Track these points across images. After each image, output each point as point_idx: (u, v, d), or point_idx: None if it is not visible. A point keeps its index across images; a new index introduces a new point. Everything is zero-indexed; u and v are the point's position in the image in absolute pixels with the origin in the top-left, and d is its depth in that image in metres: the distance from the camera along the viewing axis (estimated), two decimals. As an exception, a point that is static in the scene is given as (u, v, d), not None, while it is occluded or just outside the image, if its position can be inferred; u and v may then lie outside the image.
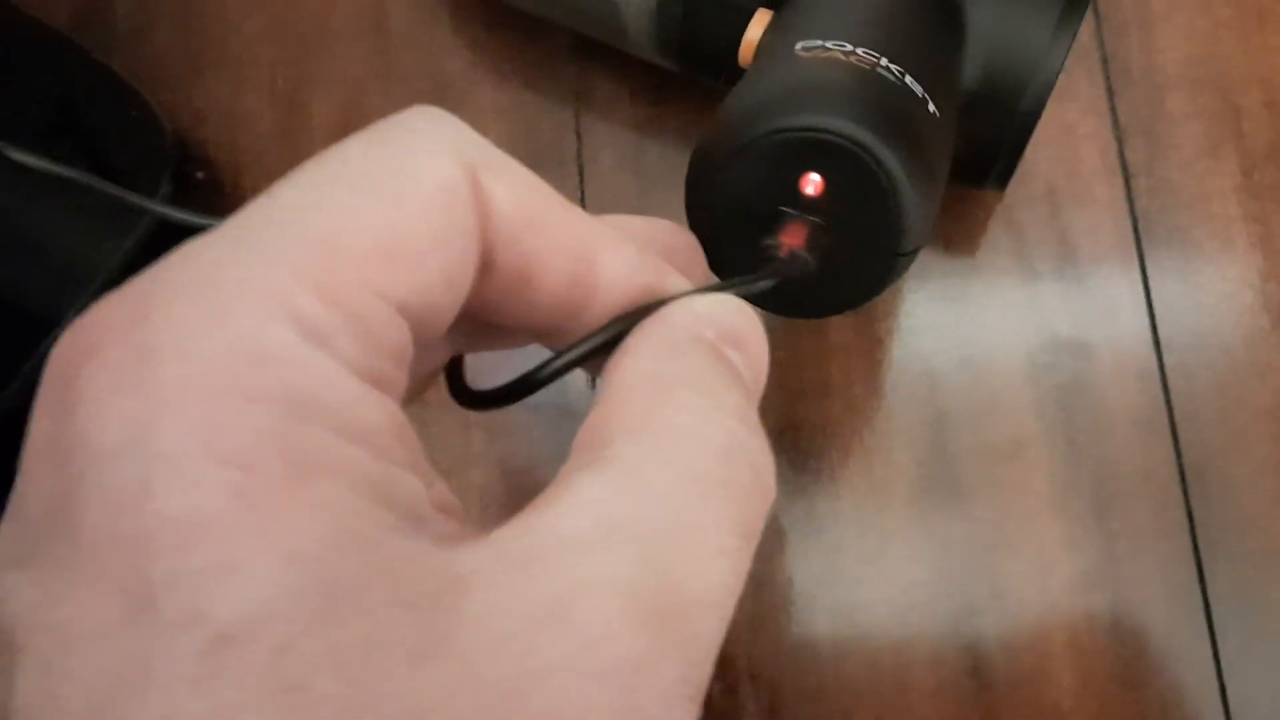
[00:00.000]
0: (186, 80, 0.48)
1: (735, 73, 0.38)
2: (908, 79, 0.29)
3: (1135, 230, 0.42)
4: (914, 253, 0.28)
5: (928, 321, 0.42)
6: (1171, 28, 0.43)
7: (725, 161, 0.27)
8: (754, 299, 0.24)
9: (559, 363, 0.21)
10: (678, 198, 0.43)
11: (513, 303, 0.21)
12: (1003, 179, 0.38)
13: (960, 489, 0.41)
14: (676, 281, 0.22)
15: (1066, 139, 0.43)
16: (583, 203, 0.44)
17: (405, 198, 0.18)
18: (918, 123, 0.28)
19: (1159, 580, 0.40)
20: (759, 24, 0.35)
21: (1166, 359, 0.41)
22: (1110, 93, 0.43)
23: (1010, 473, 0.41)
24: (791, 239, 0.27)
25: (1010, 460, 0.41)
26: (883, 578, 0.41)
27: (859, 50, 0.30)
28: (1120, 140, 0.43)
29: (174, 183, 0.44)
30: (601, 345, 0.21)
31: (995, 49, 0.35)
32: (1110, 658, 0.39)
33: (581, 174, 0.45)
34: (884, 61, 0.29)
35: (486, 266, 0.20)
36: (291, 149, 0.46)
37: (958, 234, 0.43)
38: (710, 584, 0.18)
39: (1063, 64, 0.35)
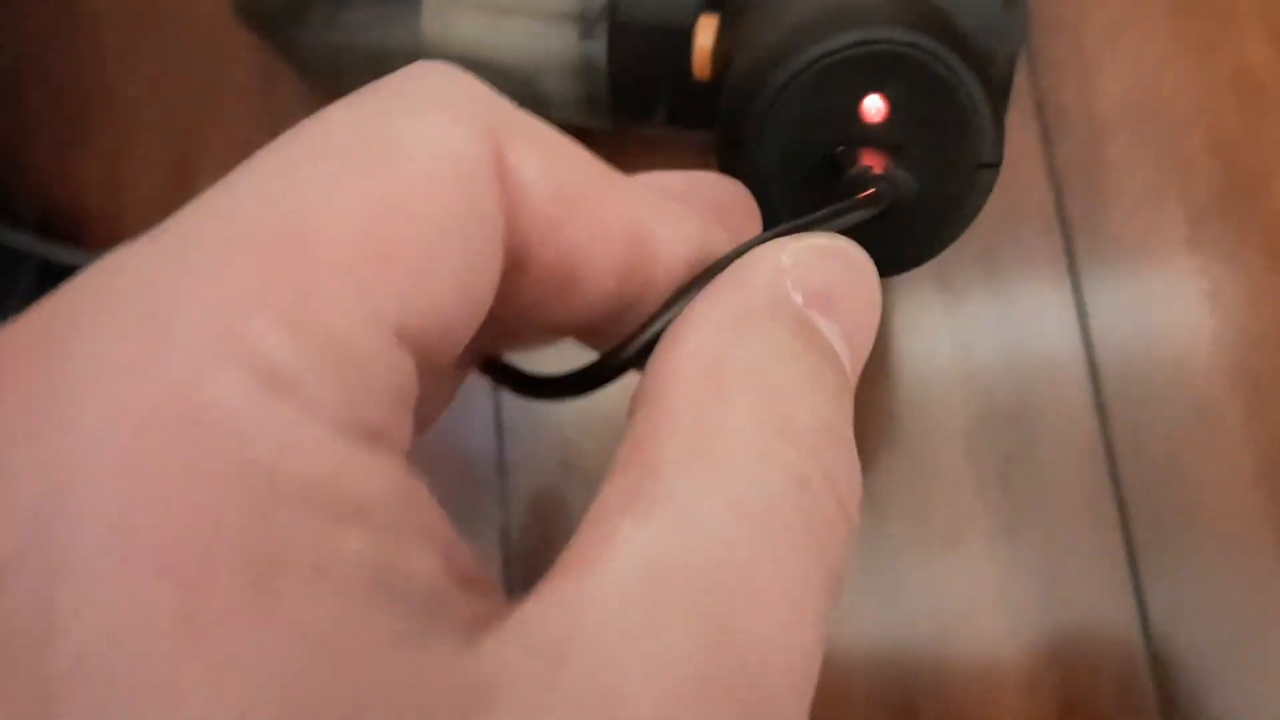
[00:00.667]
0: (62, 149, 0.44)
1: (681, 104, 0.36)
2: None
3: (1074, 275, 0.40)
4: (997, 165, 0.24)
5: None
6: (1109, 66, 0.41)
7: (766, 104, 0.23)
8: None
9: (645, 337, 0.16)
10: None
11: (552, 304, 0.17)
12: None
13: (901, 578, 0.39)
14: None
15: (1000, 191, 0.41)
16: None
17: (404, 181, 0.14)
18: (962, 29, 0.25)
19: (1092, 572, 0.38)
20: (707, 30, 0.32)
21: (1114, 431, 0.39)
22: (1046, 140, 0.41)
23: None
24: (873, 165, 0.23)
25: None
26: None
27: None
28: (1058, 191, 0.40)
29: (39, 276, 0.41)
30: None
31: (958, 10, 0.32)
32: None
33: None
34: None
35: (517, 265, 0.16)
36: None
37: (886, 285, 0.40)
38: (791, 658, 0.14)
39: (1027, 28, 0.32)
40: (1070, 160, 0.40)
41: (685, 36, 0.33)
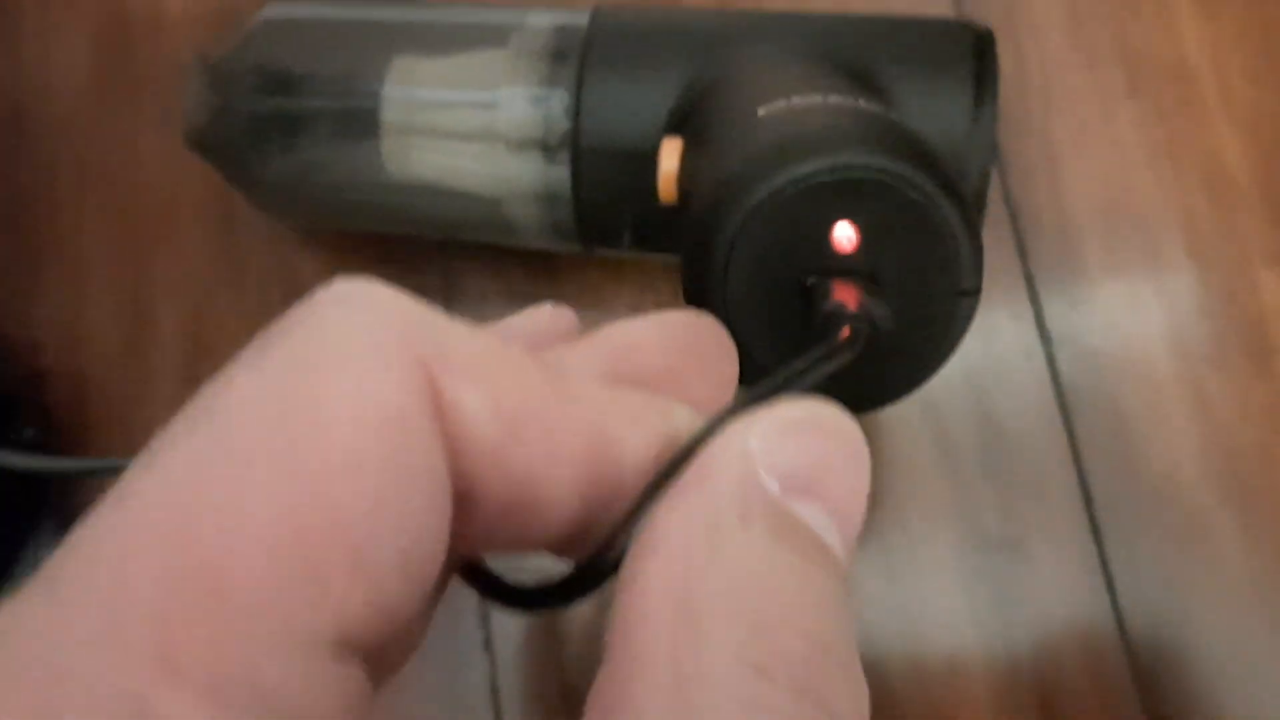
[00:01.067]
0: (18, 297, 0.43)
1: (648, 228, 0.35)
2: (894, 115, 0.25)
3: (1062, 404, 0.39)
4: (977, 292, 0.23)
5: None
6: (1081, 170, 0.40)
7: (731, 235, 0.22)
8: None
9: (616, 551, 0.15)
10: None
11: (512, 528, 0.15)
12: None
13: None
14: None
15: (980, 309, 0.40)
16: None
17: (328, 459, 0.12)
18: (934, 149, 0.24)
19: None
20: (671, 154, 0.32)
21: (1107, 546, 0.38)
22: (1022, 251, 0.40)
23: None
24: (847, 299, 0.22)
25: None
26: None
27: (830, 96, 0.26)
28: (1038, 304, 0.40)
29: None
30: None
31: (925, 125, 0.32)
32: None
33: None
34: (862, 102, 0.25)
35: (466, 497, 0.14)
36: (140, 365, 0.42)
37: (874, 429, 0.39)
38: None
39: (996, 140, 0.32)
40: (1046, 269, 0.40)
41: (650, 161, 0.32)
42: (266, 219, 0.42)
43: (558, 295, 0.41)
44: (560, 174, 0.35)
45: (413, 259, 0.42)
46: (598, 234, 0.36)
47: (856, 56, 0.33)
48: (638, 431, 0.16)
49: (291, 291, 0.41)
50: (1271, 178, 0.39)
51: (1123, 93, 0.40)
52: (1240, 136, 0.40)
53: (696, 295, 0.23)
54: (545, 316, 0.21)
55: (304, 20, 0.38)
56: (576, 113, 0.35)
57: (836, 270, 0.22)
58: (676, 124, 0.33)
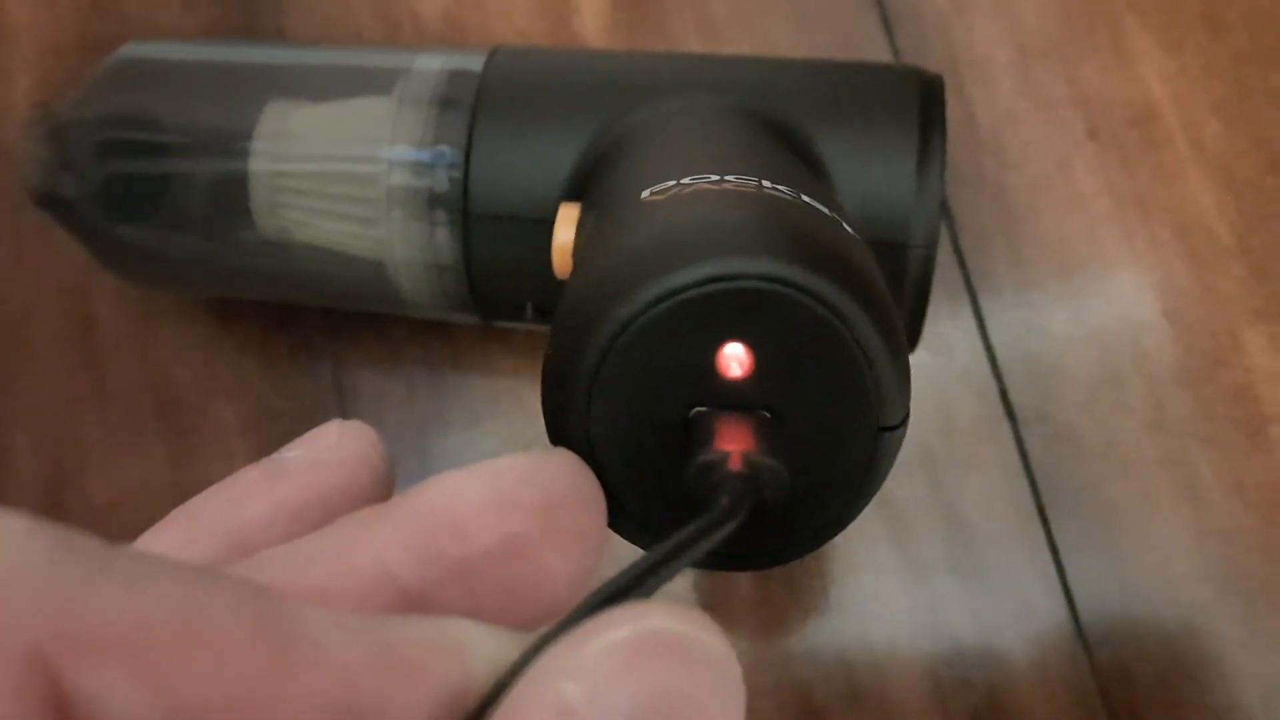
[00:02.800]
0: None
1: (546, 298, 0.31)
2: (804, 197, 0.21)
3: (1035, 495, 0.34)
4: (902, 424, 0.19)
5: (801, 646, 0.34)
6: (1040, 231, 0.36)
7: (596, 359, 0.18)
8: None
9: None
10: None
11: None
12: (911, 337, 0.30)
13: None
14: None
15: (935, 385, 0.35)
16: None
17: None
18: (849, 247, 0.19)
19: None
20: (567, 224, 0.27)
21: (1097, 657, 0.33)
22: (980, 320, 0.35)
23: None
24: (733, 442, 0.17)
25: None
26: None
27: (729, 177, 0.21)
28: (1001, 380, 0.35)
29: None
30: None
31: (864, 186, 0.28)
32: None
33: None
34: (767, 184, 0.21)
35: None
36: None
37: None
38: None
39: (943, 190, 0.28)
40: (1010, 343, 0.35)
41: (547, 228, 0.28)
42: (131, 318, 0.37)
43: (451, 405, 0.36)
44: (449, 240, 0.31)
45: (300, 353, 0.37)
46: (495, 307, 0.32)
47: (783, 108, 0.29)
48: (410, 691, 0.11)
49: (163, 404, 0.36)
50: (1250, 224, 0.35)
51: (1082, 137, 0.36)
52: (1214, 179, 0.35)
53: (556, 431, 0.18)
54: (330, 446, 0.16)
55: (162, 62, 0.34)
56: (466, 173, 0.30)
57: (724, 402, 0.17)
58: (577, 189, 0.29)
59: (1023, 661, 0.33)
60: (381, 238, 0.32)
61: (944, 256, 0.36)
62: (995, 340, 0.35)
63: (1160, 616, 0.33)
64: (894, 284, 0.29)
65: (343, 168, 0.32)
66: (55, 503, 0.36)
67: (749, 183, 0.20)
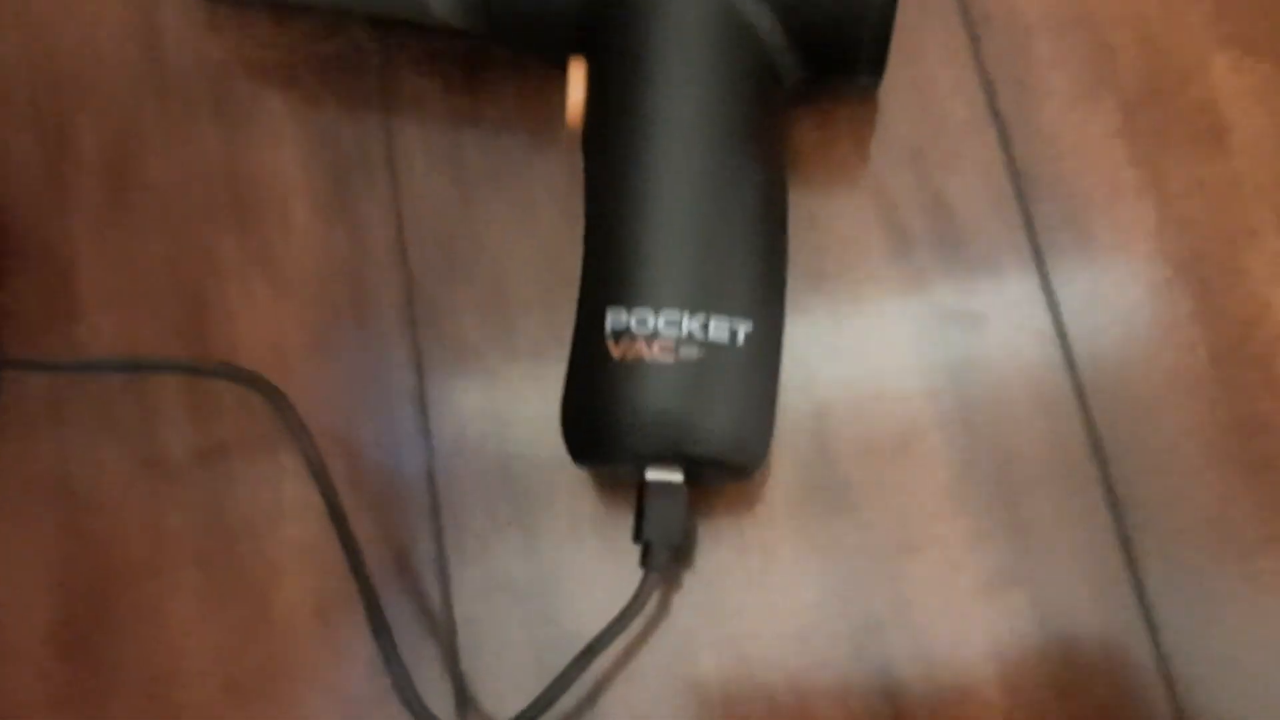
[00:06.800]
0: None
1: (553, 38, 0.35)
2: (711, 328, 0.32)
3: (1016, 186, 0.37)
4: (761, 459, 0.34)
5: (798, 306, 0.37)
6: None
7: (586, 458, 0.34)
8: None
9: None
10: (502, 199, 0.39)
11: None
12: (875, 64, 0.35)
13: (848, 492, 0.36)
14: None
15: (928, 95, 0.38)
16: (398, 217, 0.39)
17: None
18: (730, 380, 0.33)
19: (1082, 569, 0.34)
20: (576, 82, 0.35)
21: (1066, 325, 0.36)
22: (973, 40, 0.39)
23: (903, 468, 0.36)
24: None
25: (901, 454, 0.36)
26: (769, 602, 0.35)
27: (661, 322, 0.32)
28: (989, 90, 0.38)
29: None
30: None
31: None
32: (1038, 662, 0.34)
33: (395, 182, 0.39)
34: (685, 329, 0.32)
35: None
36: (60, 191, 0.40)
37: (823, 210, 0.38)
38: None
39: None
40: (998, 60, 0.39)
41: None
42: (192, 24, 0.41)
43: (483, 101, 0.40)
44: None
45: (346, 56, 0.41)
46: (509, 25, 0.35)
47: None
48: None
49: (219, 99, 0.40)
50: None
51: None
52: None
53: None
54: None
55: None
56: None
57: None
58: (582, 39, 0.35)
59: (1002, 327, 0.36)
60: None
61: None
62: (985, 57, 0.38)
63: (1125, 292, 0.36)
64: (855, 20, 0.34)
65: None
66: (117, 184, 0.40)
67: (669, 333, 0.32)
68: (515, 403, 0.37)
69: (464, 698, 0.35)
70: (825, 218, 0.38)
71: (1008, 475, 0.35)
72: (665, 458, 0.32)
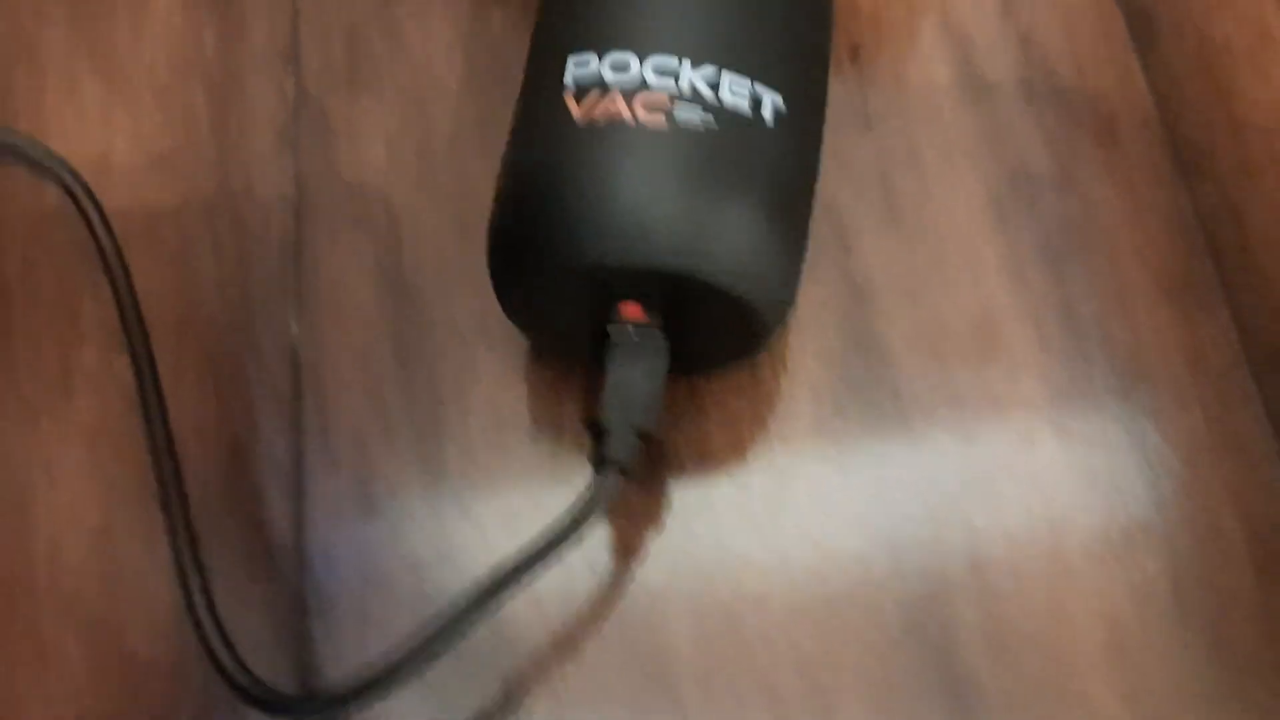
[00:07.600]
0: None
1: None
2: (724, 85, 0.22)
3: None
4: (785, 310, 0.22)
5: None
6: None
7: (522, 286, 0.22)
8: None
9: None
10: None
11: None
12: None
13: (898, 402, 0.25)
14: None
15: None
16: (293, 5, 0.28)
17: None
18: (750, 169, 0.21)
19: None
20: None
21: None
22: None
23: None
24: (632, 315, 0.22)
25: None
26: (777, 549, 0.23)
27: (648, 71, 0.22)
28: None
29: None
30: None
31: None
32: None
33: None
34: (685, 82, 0.21)
35: None
36: None
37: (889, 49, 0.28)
38: None
39: None
40: None
41: None
42: None
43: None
44: None
45: None
46: None
47: None
48: None
49: None
50: None
51: None
52: None
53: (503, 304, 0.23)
54: None
55: None
56: None
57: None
58: None
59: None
60: None
61: None
62: None
63: None
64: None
65: None
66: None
67: (662, 90, 0.21)
68: (418, 232, 0.26)
69: (306, 659, 0.23)
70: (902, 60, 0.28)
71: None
72: (639, 283, 0.21)
